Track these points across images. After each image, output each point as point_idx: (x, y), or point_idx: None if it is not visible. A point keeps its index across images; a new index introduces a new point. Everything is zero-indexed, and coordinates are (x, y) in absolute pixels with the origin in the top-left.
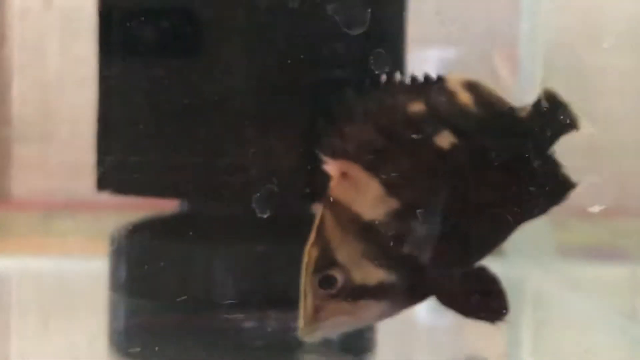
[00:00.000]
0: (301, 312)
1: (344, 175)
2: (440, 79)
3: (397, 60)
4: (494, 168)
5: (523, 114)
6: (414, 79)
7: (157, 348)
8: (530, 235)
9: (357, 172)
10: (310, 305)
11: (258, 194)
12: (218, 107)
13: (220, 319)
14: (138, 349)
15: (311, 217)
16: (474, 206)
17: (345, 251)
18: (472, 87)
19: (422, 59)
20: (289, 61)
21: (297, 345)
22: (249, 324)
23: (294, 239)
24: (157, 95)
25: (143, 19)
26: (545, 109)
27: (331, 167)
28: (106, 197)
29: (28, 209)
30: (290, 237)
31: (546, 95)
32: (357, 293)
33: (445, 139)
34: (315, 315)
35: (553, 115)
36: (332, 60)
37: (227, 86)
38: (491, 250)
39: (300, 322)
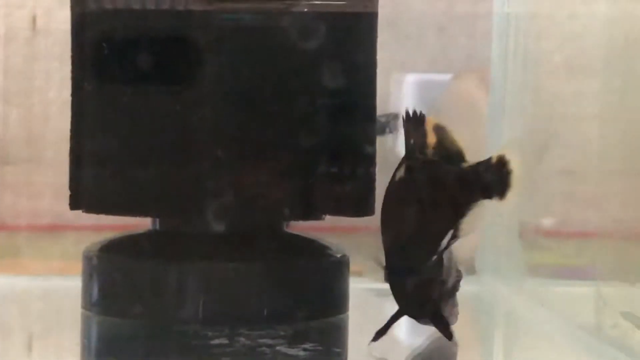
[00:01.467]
0: None
1: None
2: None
3: (367, 89)
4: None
5: (465, 168)
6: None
7: None
8: (501, 254)
9: None
10: None
11: (215, 208)
12: (190, 126)
13: (191, 337)
14: None
15: (282, 235)
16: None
17: None
18: (438, 130)
19: (400, 83)
20: (258, 85)
21: None
22: (219, 342)
23: (266, 257)
24: (130, 115)
25: (117, 42)
26: (485, 171)
27: None
28: (90, 219)
29: (13, 230)
30: (261, 254)
31: (498, 158)
32: None
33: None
34: None
35: (488, 181)
36: (301, 87)
37: (199, 107)
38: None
39: None
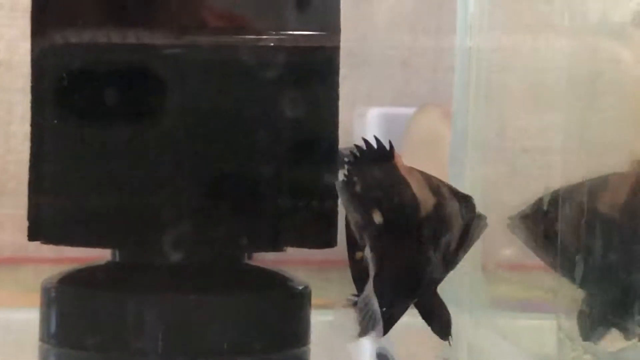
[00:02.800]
0: None
1: None
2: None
3: (329, 122)
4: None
5: (424, 212)
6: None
7: None
8: (464, 287)
9: None
10: None
11: (174, 239)
12: (149, 158)
13: None
14: None
15: (243, 267)
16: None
17: None
18: (409, 172)
19: (364, 116)
20: (219, 118)
21: None
22: None
23: (225, 289)
24: (89, 147)
25: (76, 73)
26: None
27: None
28: (52, 251)
29: None
30: (221, 287)
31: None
32: None
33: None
34: None
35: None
36: (262, 120)
37: (159, 140)
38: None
39: None
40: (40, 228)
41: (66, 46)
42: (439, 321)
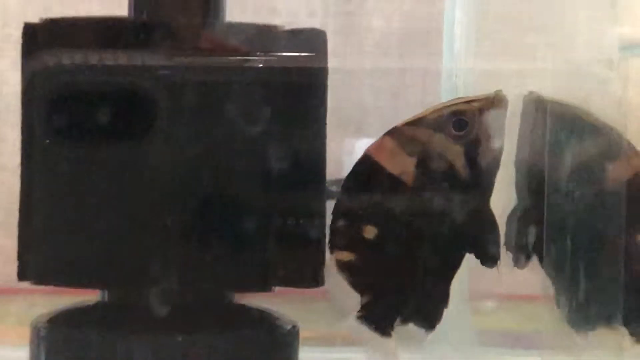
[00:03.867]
0: None
1: None
2: None
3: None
4: None
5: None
6: None
7: None
8: (448, 321)
9: None
10: None
11: (163, 280)
12: (138, 199)
13: None
14: None
15: (231, 307)
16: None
17: None
18: None
19: (354, 148)
20: (206, 151)
21: None
22: None
23: (214, 329)
24: (78, 188)
25: (65, 109)
26: None
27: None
28: None
29: None
30: (209, 327)
31: None
32: None
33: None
34: None
35: None
36: (245, 163)
37: (146, 181)
38: None
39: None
40: (30, 268)
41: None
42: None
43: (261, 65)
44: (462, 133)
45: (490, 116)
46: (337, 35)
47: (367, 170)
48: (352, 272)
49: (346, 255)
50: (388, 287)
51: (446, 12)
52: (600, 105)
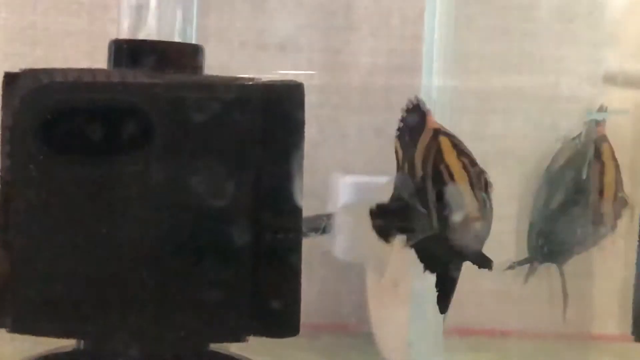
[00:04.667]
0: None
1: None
2: None
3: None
4: None
5: None
6: None
7: None
8: (423, 356)
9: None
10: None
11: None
12: (115, 247)
13: None
14: None
15: (207, 356)
16: None
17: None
18: None
19: (338, 185)
20: (174, 210)
21: None
22: None
23: None
24: (52, 236)
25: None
26: None
27: (433, 119)
28: None
29: None
30: None
31: None
32: None
33: None
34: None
35: None
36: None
37: (119, 233)
38: None
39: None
40: (5, 317)
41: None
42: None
43: (238, 117)
44: None
45: None
46: (324, 75)
47: None
48: None
49: None
50: None
51: (425, 49)
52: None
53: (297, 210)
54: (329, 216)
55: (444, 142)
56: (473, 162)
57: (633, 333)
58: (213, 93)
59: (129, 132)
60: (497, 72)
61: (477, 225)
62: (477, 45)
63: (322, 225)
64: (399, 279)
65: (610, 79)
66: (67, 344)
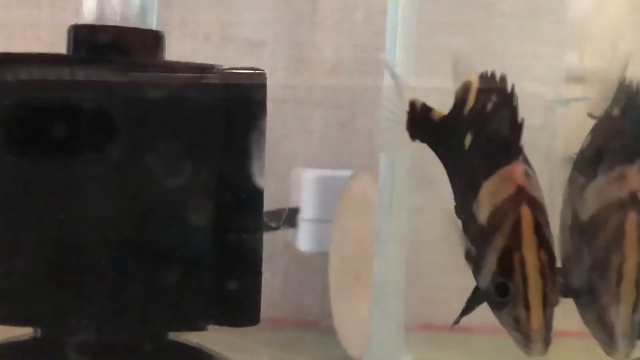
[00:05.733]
0: (540, 321)
1: (526, 173)
2: None
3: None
4: None
5: None
6: None
7: None
8: (385, 351)
9: (528, 168)
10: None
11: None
12: (72, 233)
13: None
14: None
15: (166, 345)
16: None
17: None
18: None
19: (302, 179)
20: (134, 194)
21: None
22: None
23: None
24: (6, 222)
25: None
26: None
27: (520, 165)
28: None
29: None
30: None
31: None
32: None
33: None
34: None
35: None
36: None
37: (80, 219)
38: None
39: (541, 334)
40: None
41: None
42: None
43: (200, 101)
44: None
45: None
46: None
47: None
48: None
49: None
50: None
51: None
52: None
53: (259, 198)
54: (293, 210)
55: (526, 219)
56: (550, 254)
57: None
58: (173, 79)
59: (84, 115)
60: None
61: (536, 351)
62: (440, 40)
63: (284, 217)
64: (360, 272)
65: (573, 77)
66: (23, 332)
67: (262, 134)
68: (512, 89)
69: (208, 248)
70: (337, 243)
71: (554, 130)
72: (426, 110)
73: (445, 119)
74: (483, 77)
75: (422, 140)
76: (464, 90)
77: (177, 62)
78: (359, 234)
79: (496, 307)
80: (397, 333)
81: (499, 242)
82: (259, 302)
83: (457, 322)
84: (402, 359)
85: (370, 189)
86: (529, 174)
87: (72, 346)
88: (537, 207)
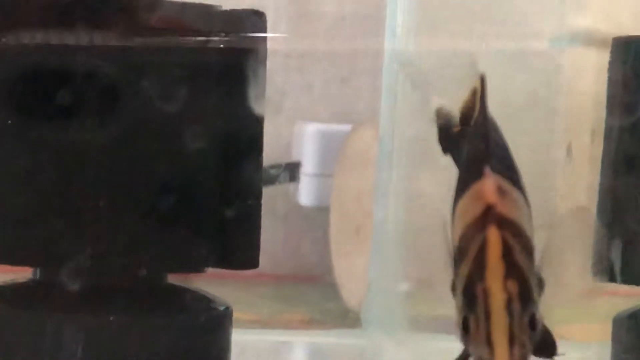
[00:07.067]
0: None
1: (500, 190)
2: None
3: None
4: None
5: None
6: None
7: None
8: (385, 308)
9: (505, 185)
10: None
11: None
12: (70, 175)
13: None
14: None
15: (164, 288)
16: None
17: (533, 282)
18: None
19: (302, 132)
20: (141, 130)
21: None
22: None
23: (146, 310)
24: (10, 163)
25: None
26: None
27: (490, 181)
28: None
29: None
30: (142, 308)
31: None
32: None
33: None
34: None
35: None
36: (182, 133)
37: (79, 157)
38: None
39: None
40: None
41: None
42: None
43: (197, 44)
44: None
45: None
46: (290, 23)
47: None
48: None
49: None
50: None
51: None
52: (545, 91)
53: (258, 139)
54: (294, 164)
55: (493, 243)
56: (523, 284)
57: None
58: (172, 10)
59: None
60: (464, 29)
61: None
62: None
63: (283, 170)
64: (360, 225)
65: (576, 39)
66: (22, 274)
67: (263, 64)
68: (483, 85)
69: (208, 189)
70: (337, 197)
71: (558, 87)
72: (449, 122)
73: (460, 132)
74: (483, 81)
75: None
76: (472, 98)
77: (178, 2)
78: (359, 188)
79: (466, 348)
80: (395, 286)
81: (464, 271)
82: (259, 245)
83: None
84: (400, 287)
85: (371, 143)
86: (504, 190)
87: (71, 288)
88: (511, 229)
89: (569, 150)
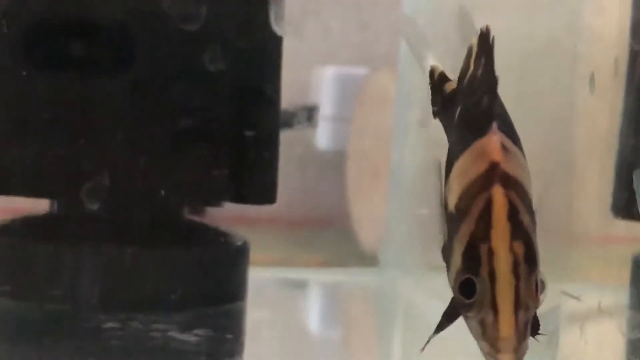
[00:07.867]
0: (510, 326)
1: (504, 148)
2: None
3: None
4: None
5: None
6: None
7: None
8: (402, 248)
9: (509, 143)
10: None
11: (113, 193)
12: (89, 111)
13: (84, 320)
14: None
15: (182, 222)
16: None
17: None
18: None
19: (320, 76)
20: (158, 71)
21: (160, 347)
22: (111, 325)
23: (163, 243)
24: (27, 98)
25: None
26: None
27: (496, 138)
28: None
29: None
30: (159, 241)
31: None
32: None
33: None
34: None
35: None
36: (202, 74)
37: (97, 92)
38: None
39: (510, 343)
40: None
41: None
42: None
43: None
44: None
45: None
46: None
47: None
48: None
49: None
50: None
51: None
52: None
53: (277, 67)
54: (312, 108)
55: (498, 202)
56: (528, 246)
57: (612, 209)
58: None
59: None
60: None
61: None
62: None
63: (301, 111)
64: (378, 167)
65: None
66: (40, 208)
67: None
68: (482, 43)
69: (227, 127)
70: (356, 139)
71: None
72: (442, 81)
73: (453, 91)
74: (482, 36)
75: (435, 117)
76: (467, 56)
77: None
78: (378, 130)
79: (463, 312)
80: (411, 226)
81: (465, 231)
82: (276, 182)
83: (428, 342)
84: (420, 211)
85: (389, 85)
86: (507, 148)
87: (87, 220)
88: (515, 188)
89: (591, 80)
